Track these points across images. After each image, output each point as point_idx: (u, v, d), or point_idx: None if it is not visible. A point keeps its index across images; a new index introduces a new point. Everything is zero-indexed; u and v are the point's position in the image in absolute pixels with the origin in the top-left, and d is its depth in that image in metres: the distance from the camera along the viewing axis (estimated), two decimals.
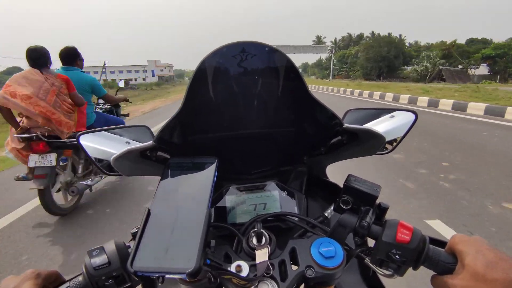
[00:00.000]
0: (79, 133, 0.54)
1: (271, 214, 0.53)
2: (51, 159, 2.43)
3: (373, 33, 71.45)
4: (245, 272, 0.39)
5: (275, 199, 0.61)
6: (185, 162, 0.45)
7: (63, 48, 2.89)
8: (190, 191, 0.41)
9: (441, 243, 0.41)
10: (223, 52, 0.41)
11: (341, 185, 0.48)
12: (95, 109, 3.42)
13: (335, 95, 18.51)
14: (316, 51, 58.57)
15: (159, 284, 0.36)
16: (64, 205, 2.77)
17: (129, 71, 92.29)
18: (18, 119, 2.49)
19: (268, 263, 0.40)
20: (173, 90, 37.66)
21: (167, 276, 0.32)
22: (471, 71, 33.03)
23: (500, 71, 31.20)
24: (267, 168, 0.66)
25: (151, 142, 0.47)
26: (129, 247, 0.42)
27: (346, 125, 0.50)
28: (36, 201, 2.85)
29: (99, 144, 0.57)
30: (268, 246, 0.43)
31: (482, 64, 33.47)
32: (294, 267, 0.41)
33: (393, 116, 0.65)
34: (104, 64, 36.44)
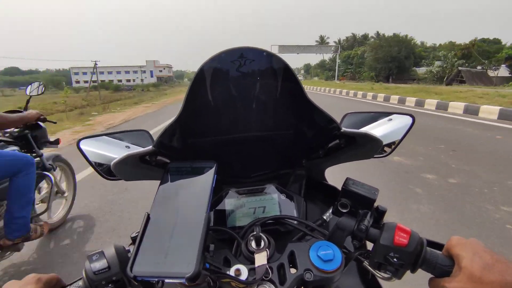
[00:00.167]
0: (79, 138, 0.55)
1: (270, 218, 0.53)
2: None
3: (378, 33, 69.70)
4: (244, 275, 0.39)
5: (274, 202, 0.61)
6: (185, 166, 0.45)
7: None
8: (189, 195, 0.41)
9: (438, 246, 0.41)
10: (222, 58, 0.42)
11: (340, 188, 0.48)
12: None
13: (364, 101, 14.29)
14: (321, 51, 56.66)
15: None
16: None
17: (127, 72, 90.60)
18: None
19: (267, 266, 0.40)
20: (171, 91, 35.50)
21: (166, 280, 0.33)
22: (491, 73, 30.63)
23: None
24: (266, 171, 0.66)
25: (150, 147, 0.48)
26: (128, 251, 0.42)
27: (343, 129, 0.50)
28: None
29: (99, 149, 0.57)
30: (267, 249, 0.44)
31: (502, 65, 31.18)
32: (293, 271, 0.41)
33: (390, 120, 0.66)
34: (95, 64, 34.03)
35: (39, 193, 2.27)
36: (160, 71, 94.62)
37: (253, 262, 0.41)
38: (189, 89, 0.43)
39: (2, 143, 1.95)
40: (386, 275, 0.41)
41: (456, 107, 8.84)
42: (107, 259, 0.39)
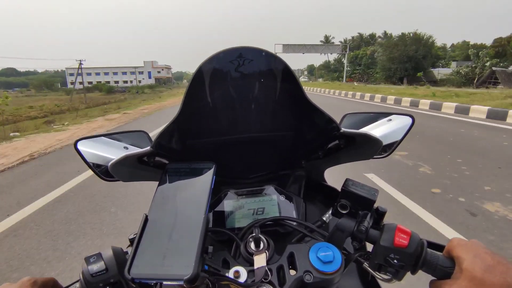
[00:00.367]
0: (77, 138, 0.55)
1: (269, 219, 0.53)
2: None
3: (385, 33, 66.59)
4: (243, 277, 0.39)
5: (273, 203, 0.60)
6: (183, 167, 0.45)
7: None
8: (188, 197, 0.41)
9: (439, 247, 0.40)
10: (220, 58, 0.41)
11: (339, 189, 0.48)
12: None
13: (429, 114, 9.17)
14: (328, 50, 53.49)
15: None
16: None
17: (124, 73, 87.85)
18: None
19: (266, 268, 0.40)
20: (167, 94, 32.68)
21: (164, 282, 0.33)
22: None
23: None
24: (266, 172, 0.66)
25: (148, 148, 0.47)
26: (126, 253, 0.42)
27: (343, 129, 0.50)
28: None
29: (97, 150, 0.57)
30: (266, 251, 0.43)
31: None
32: (292, 272, 0.41)
33: (390, 120, 0.66)
34: (80, 63, 30.91)
35: None
36: (159, 72, 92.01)
37: (252, 264, 0.41)
38: (187, 89, 0.42)
39: None
40: (386, 277, 0.40)
41: None
42: (105, 261, 0.39)
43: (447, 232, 2.30)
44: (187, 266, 0.32)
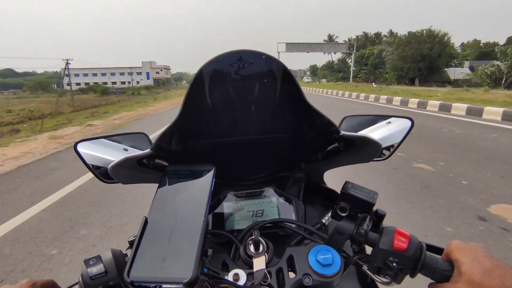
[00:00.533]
0: (77, 140, 0.55)
1: (268, 221, 0.53)
2: None
3: (391, 32, 64.13)
4: (242, 280, 0.39)
5: (273, 205, 0.60)
6: (183, 169, 0.45)
7: None
8: (188, 199, 0.41)
9: (437, 250, 0.41)
10: (221, 61, 0.42)
11: (339, 191, 0.48)
12: None
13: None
14: (334, 49, 51.04)
15: None
16: None
17: (122, 74, 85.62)
18: None
19: (266, 271, 0.40)
20: (163, 96, 29.91)
21: (164, 286, 0.33)
22: None
23: None
24: (265, 174, 0.66)
25: (148, 150, 0.47)
26: (126, 255, 0.42)
27: (342, 132, 0.50)
28: None
29: (97, 152, 0.57)
30: (266, 254, 0.43)
31: None
32: (291, 275, 0.41)
33: (389, 123, 0.66)
34: (67, 63, 28.44)
35: None
36: (157, 72, 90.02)
37: (251, 267, 0.41)
38: (187, 91, 0.43)
39: None
40: (385, 280, 0.40)
41: None
42: (104, 264, 0.38)
43: None
44: (186, 269, 0.32)
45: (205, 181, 0.42)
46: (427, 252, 0.38)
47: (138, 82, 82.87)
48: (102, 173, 0.56)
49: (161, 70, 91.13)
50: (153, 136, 0.55)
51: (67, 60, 28.03)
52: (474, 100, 9.86)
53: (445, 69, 35.47)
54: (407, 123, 0.63)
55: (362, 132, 0.60)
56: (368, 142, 0.52)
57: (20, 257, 2.06)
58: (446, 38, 33.21)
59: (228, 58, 0.41)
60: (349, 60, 61.96)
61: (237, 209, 0.60)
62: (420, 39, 33.08)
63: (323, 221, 0.53)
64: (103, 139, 0.59)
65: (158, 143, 0.46)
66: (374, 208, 0.44)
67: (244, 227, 0.52)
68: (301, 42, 46.51)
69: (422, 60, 32.44)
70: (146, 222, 0.37)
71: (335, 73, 64.90)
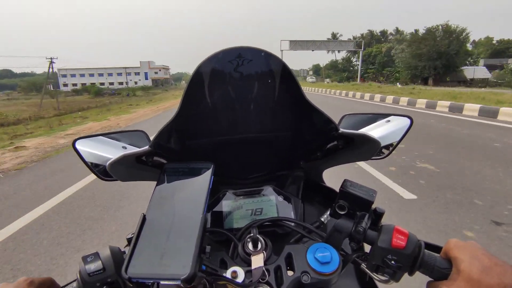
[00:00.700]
0: (76, 138, 0.54)
1: (267, 220, 0.53)
2: None
3: (397, 30, 61.68)
4: (240, 278, 0.39)
5: (271, 204, 0.61)
6: (181, 167, 0.45)
7: None
8: (186, 197, 0.41)
9: (436, 248, 0.41)
10: (219, 58, 0.42)
11: (338, 190, 0.48)
12: None
13: None
14: (340, 47, 48.88)
15: None
16: None
17: (119, 74, 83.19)
18: None
19: (264, 269, 0.40)
20: (159, 97, 27.59)
21: (162, 282, 0.33)
22: None
23: None
24: (264, 172, 0.65)
25: (147, 147, 0.47)
26: (124, 252, 0.42)
27: (341, 130, 0.50)
28: None
29: (95, 149, 0.57)
30: (264, 251, 0.44)
31: None
32: (290, 273, 0.41)
33: (388, 121, 0.65)
34: (51, 61, 25.97)
35: None
36: (156, 72, 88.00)
37: (250, 264, 0.41)
38: (186, 89, 0.42)
39: None
40: (383, 278, 0.40)
41: None
42: (102, 261, 0.38)
43: None
44: (184, 266, 0.32)
45: (204, 179, 0.42)
46: (425, 250, 0.38)
47: (136, 83, 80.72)
48: (101, 170, 0.55)
49: (160, 70, 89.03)
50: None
51: (51, 58, 25.12)
52: None
53: (462, 68, 33.07)
54: (406, 121, 0.63)
55: (362, 130, 0.59)
56: (367, 140, 0.52)
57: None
58: (464, 34, 30.80)
59: (227, 55, 0.41)
60: (354, 59, 59.36)
61: (236, 207, 0.60)
62: (436, 35, 30.68)
63: (322, 219, 0.53)
64: (101, 137, 0.58)
65: (156, 140, 0.46)
66: (373, 206, 0.44)
67: (243, 225, 0.52)
68: (306, 39, 44.20)
69: (439, 58, 29.99)
70: (144, 219, 0.37)
71: (339, 72, 62.46)
